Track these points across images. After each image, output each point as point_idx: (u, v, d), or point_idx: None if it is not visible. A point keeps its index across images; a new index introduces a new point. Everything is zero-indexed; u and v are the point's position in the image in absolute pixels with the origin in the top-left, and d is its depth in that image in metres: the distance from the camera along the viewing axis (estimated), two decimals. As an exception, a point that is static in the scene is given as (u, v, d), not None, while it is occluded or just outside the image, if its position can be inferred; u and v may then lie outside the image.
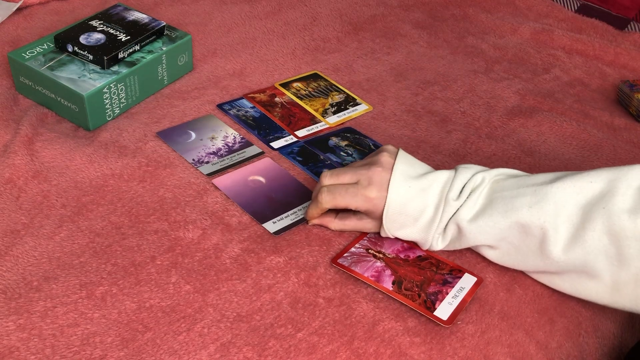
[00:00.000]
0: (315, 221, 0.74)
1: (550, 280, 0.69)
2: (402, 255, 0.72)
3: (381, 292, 0.68)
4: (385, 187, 0.69)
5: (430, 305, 0.66)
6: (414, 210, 0.69)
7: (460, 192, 0.68)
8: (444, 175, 0.69)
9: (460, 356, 0.63)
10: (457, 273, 0.71)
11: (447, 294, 0.68)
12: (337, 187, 0.71)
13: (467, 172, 0.69)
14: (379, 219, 0.71)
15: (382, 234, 0.72)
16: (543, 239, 0.64)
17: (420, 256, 0.72)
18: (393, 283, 0.68)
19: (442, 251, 0.73)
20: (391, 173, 0.70)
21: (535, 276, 0.71)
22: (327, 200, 0.71)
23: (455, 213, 0.68)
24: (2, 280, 0.64)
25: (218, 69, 1.00)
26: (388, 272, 0.70)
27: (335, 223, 0.74)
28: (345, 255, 0.71)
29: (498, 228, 0.66)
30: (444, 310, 0.66)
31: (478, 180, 0.68)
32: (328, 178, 0.72)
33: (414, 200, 0.69)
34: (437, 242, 0.71)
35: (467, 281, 0.70)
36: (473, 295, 0.68)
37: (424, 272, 0.70)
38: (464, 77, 1.06)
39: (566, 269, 0.65)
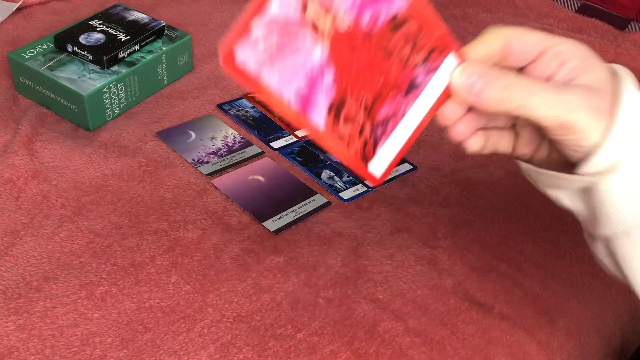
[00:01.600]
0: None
1: None
2: (365, 23, 0.39)
3: (378, 278, 0.67)
4: None
5: (370, 151, 0.43)
6: None
7: None
8: None
9: (460, 356, 0.63)
10: (436, 57, 0.44)
11: (403, 115, 0.44)
12: None
13: None
14: None
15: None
16: None
17: (395, 17, 0.41)
18: (330, 109, 0.39)
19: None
20: None
21: None
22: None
23: None
24: (2, 280, 0.64)
25: (218, 69, 0.99)
26: (328, 78, 0.38)
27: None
28: (252, 32, 0.35)
29: None
30: (380, 159, 0.44)
31: None
32: None
33: None
34: None
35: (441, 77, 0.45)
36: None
37: (389, 63, 0.42)
38: (465, 77, 1.06)
39: None
